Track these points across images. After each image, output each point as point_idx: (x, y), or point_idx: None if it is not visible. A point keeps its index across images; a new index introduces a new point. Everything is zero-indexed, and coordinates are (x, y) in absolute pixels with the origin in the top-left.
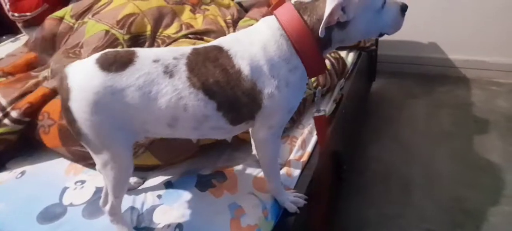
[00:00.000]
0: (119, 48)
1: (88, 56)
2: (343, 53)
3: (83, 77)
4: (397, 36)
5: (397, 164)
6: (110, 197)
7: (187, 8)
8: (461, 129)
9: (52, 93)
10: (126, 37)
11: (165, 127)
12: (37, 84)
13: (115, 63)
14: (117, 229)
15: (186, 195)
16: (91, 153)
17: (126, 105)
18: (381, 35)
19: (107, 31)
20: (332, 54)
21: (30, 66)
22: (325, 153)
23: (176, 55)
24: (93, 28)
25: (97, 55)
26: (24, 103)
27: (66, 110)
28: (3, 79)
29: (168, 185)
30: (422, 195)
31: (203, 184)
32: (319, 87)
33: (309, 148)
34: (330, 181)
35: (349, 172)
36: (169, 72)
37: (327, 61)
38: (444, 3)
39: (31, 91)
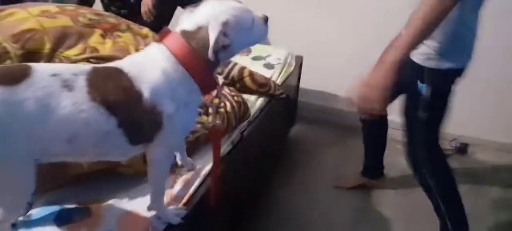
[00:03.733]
0: (8, 63)
1: None
2: (252, 98)
3: None
4: (317, 86)
5: (300, 208)
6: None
7: (98, 32)
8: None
9: None
10: (19, 52)
11: (63, 143)
12: None
13: (9, 76)
14: None
15: (39, 229)
16: None
17: (22, 121)
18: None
19: None
20: (235, 98)
21: None
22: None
23: (75, 72)
24: None
25: None
26: None
27: None
28: None
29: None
30: None
31: (62, 218)
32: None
33: (192, 189)
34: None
35: (250, 213)
36: (67, 86)
37: (228, 104)
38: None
39: None
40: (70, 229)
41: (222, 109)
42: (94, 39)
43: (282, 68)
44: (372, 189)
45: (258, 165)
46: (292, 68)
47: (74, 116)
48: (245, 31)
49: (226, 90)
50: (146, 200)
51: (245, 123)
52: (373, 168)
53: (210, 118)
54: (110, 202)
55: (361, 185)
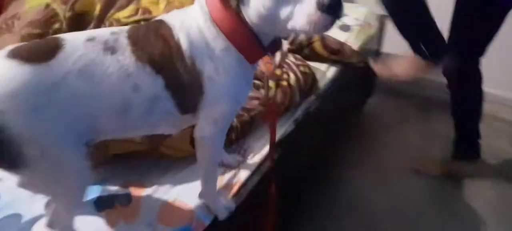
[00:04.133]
0: (56, 26)
1: (20, 31)
2: (323, 67)
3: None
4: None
5: (370, 195)
6: (64, 215)
7: None
8: None
9: None
10: (68, 14)
11: (117, 117)
12: None
13: (38, 53)
14: None
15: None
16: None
17: (68, 99)
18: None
19: (47, 5)
20: (301, 68)
21: None
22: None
23: (114, 31)
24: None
25: (5, 50)
26: None
27: None
28: None
29: None
30: None
31: (103, 202)
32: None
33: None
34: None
35: (309, 197)
36: (109, 48)
37: (292, 76)
38: None
39: None
40: (108, 215)
41: (284, 82)
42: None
43: (360, 30)
44: (462, 178)
45: (325, 144)
46: (373, 30)
47: (123, 82)
48: None
49: (290, 58)
50: (190, 187)
51: (313, 97)
52: (466, 145)
53: (270, 92)
54: (152, 188)
55: (449, 173)
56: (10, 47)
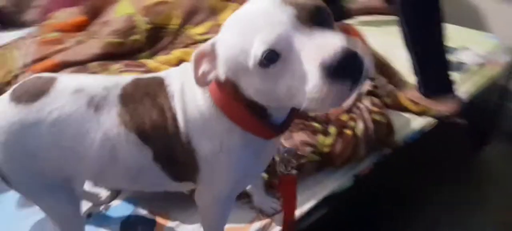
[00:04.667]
0: (134, 37)
1: (105, 38)
2: (407, 115)
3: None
4: None
5: None
6: None
7: (232, 7)
8: None
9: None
10: (147, 26)
11: (95, 176)
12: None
13: (27, 93)
14: None
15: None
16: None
17: (37, 145)
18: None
19: (130, 15)
20: (375, 116)
21: (78, 28)
22: None
23: (107, 85)
24: (123, 8)
25: (17, 84)
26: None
27: None
28: (54, 34)
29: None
30: None
31: (128, 225)
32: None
33: None
34: None
35: None
36: (94, 104)
37: (360, 124)
38: None
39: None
40: None
41: (348, 131)
42: (225, 16)
43: (479, 71)
44: None
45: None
46: (496, 70)
47: (100, 144)
48: (246, 69)
49: (365, 102)
50: None
51: (387, 150)
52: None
53: (328, 139)
54: (175, 223)
55: None
56: (27, 79)
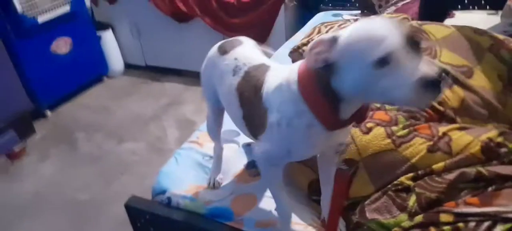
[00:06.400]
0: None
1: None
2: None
3: (210, 51)
4: None
5: None
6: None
7: None
8: None
9: None
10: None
11: (225, 105)
12: None
13: (222, 48)
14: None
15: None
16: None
17: (214, 79)
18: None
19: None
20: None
21: None
22: None
23: (247, 62)
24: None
25: (224, 41)
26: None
27: None
28: None
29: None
30: None
31: (214, 214)
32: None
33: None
34: None
35: None
36: (235, 71)
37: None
38: None
39: None
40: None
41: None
42: None
43: None
44: None
45: None
46: None
47: (226, 94)
48: (361, 65)
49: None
50: None
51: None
52: None
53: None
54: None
55: None
56: (225, 40)
